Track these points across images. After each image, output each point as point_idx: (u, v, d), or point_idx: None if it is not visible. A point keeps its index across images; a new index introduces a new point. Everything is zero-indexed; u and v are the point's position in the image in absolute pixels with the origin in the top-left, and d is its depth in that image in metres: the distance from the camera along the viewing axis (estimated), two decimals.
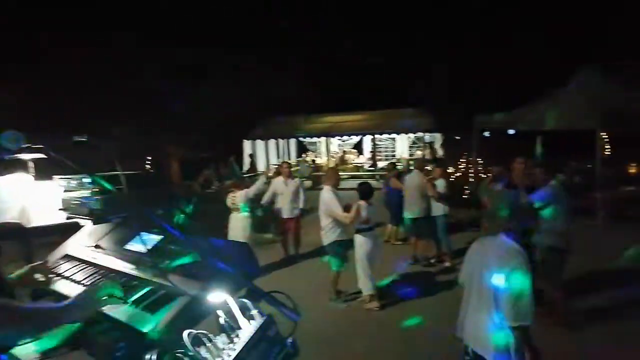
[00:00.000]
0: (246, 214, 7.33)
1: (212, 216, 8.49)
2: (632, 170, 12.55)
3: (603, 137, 10.18)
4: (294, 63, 23.36)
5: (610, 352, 4.50)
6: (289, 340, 1.61)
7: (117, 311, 1.61)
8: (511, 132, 12.04)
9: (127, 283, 1.79)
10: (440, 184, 7.54)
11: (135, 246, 2.03)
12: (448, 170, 13.11)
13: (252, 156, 19.88)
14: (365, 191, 6.02)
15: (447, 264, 7.51)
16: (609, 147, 11.48)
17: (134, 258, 1.95)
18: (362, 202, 5.89)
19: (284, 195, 8.13)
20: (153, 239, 2.02)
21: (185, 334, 1.42)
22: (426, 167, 8.35)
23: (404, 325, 5.42)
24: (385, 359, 4.77)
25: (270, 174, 8.43)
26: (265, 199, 8.29)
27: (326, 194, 6.09)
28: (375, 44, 25.13)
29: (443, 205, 7.47)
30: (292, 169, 9.45)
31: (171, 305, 1.55)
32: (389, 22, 26.73)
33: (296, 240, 8.36)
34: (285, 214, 8.16)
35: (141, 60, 19.55)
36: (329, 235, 6.09)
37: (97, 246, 2.19)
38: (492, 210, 5.87)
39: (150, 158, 16.65)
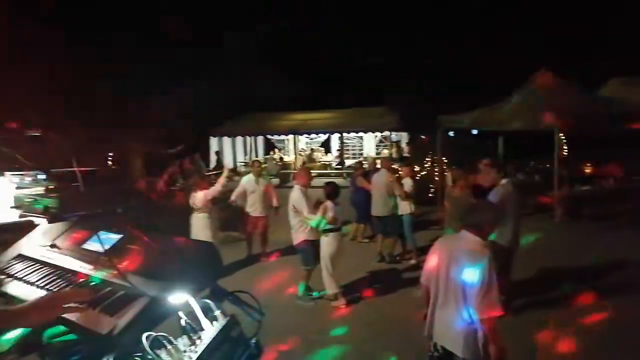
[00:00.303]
0: (206, 214, 7.18)
1: (175, 214, 8.30)
2: (588, 170, 13.06)
3: (561, 137, 10.54)
4: (263, 60, 23.13)
5: (569, 342, 4.66)
6: (253, 340, 1.58)
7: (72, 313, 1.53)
8: (475, 132, 12.29)
9: (84, 284, 1.71)
10: (407, 182, 7.65)
11: (93, 245, 1.95)
12: (414, 169, 13.29)
13: (218, 153, 19.64)
14: (331, 191, 6.03)
15: (412, 261, 7.62)
16: (567, 147, 11.92)
17: (92, 258, 1.87)
18: (329, 203, 5.89)
19: (254, 193, 8.04)
20: (111, 238, 1.94)
21: (144, 336, 1.37)
22: (393, 166, 8.45)
23: (370, 322, 5.47)
24: (352, 357, 4.79)
25: (230, 174, 8.24)
26: (234, 197, 8.18)
27: (296, 193, 6.05)
28: (346, 43, 25.20)
29: (409, 203, 7.58)
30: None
31: (130, 307, 1.49)
32: (359, 21, 26.87)
33: (264, 239, 8.28)
34: (256, 213, 8.07)
35: (105, 53, 18.93)
36: (298, 234, 6.06)
37: (52, 245, 2.09)
38: (452, 212, 6.01)
39: (112, 154, 16.15)
